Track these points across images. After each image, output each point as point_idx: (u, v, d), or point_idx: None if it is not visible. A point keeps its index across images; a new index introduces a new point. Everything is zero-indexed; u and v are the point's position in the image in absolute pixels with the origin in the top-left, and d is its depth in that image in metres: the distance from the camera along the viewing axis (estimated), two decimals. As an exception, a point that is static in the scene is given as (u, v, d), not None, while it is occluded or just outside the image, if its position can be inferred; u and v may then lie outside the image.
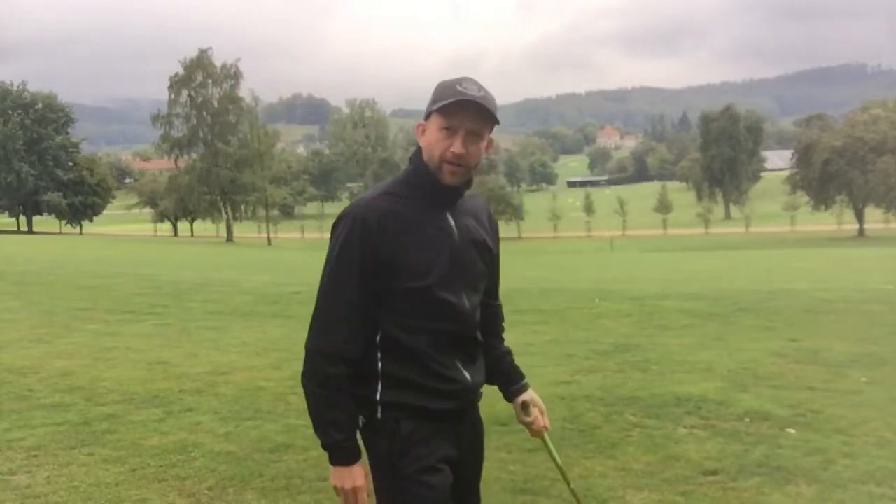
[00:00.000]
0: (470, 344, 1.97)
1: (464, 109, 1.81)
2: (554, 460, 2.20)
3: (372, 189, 1.96)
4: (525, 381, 2.17)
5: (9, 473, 3.85)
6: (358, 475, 1.85)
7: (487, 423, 2.16)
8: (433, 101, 1.85)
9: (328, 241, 1.92)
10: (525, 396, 2.14)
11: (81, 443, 4.32)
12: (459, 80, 1.84)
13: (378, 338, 1.88)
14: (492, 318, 2.14)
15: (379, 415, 1.87)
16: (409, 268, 1.84)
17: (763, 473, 3.69)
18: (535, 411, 2.14)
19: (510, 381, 2.15)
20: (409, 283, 1.84)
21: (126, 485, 3.70)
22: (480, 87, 1.83)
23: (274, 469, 3.88)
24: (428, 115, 1.88)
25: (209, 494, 3.59)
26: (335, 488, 1.87)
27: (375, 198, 1.89)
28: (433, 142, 1.85)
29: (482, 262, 1.99)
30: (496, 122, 1.87)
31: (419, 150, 1.91)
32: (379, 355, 1.88)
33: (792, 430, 4.31)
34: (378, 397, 1.87)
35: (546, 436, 2.18)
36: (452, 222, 1.92)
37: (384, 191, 1.91)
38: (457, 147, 1.82)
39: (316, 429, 1.86)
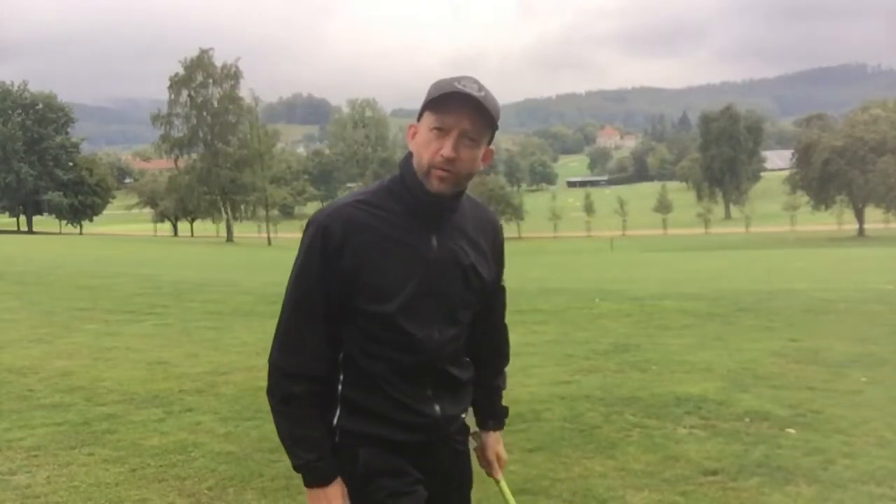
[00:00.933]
0: (443, 376, 1.75)
1: (460, 107, 1.58)
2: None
3: (349, 193, 1.76)
4: (496, 422, 2.00)
5: (9, 473, 3.85)
6: (334, 496, 1.67)
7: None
8: (426, 98, 1.63)
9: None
10: (486, 437, 1.99)
11: (81, 443, 4.32)
12: (458, 78, 1.60)
13: (340, 357, 1.71)
14: (489, 350, 1.94)
15: (337, 439, 1.71)
16: (370, 289, 1.64)
17: (763, 473, 3.69)
18: (478, 451, 1.99)
19: (479, 417, 1.98)
20: (370, 305, 1.64)
21: (126, 485, 3.70)
22: (481, 87, 1.59)
23: (274, 469, 3.87)
24: (420, 116, 1.65)
25: (209, 494, 3.59)
26: None
27: (346, 205, 1.68)
28: (422, 144, 1.63)
29: (468, 289, 1.74)
30: (495, 126, 1.65)
31: (409, 155, 1.69)
32: (340, 377, 1.71)
33: (792, 430, 4.31)
34: (335, 422, 1.71)
35: (502, 483, 2.02)
36: (434, 242, 1.68)
37: (358, 198, 1.70)
38: (446, 150, 1.58)
39: (286, 450, 1.69)
